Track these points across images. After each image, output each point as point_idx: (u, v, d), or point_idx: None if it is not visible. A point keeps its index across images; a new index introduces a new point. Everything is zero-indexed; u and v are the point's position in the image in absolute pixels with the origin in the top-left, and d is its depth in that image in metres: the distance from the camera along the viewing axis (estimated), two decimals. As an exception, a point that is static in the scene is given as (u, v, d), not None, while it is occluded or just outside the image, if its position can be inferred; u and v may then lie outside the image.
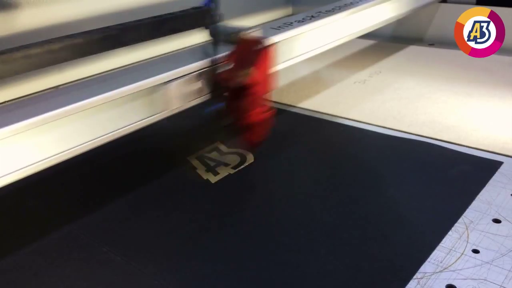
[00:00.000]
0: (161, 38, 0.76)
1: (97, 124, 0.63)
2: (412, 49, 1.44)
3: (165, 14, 0.76)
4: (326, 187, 0.76)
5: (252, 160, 0.85)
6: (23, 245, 0.66)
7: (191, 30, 0.79)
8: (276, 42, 0.83)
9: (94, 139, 0.63)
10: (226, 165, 0.84)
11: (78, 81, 1.24)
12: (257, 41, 0.76)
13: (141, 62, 1.19)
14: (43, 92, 1.21)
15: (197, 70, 0.74)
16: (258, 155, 0.86)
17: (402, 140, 0.89)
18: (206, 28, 0.79)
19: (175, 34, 0.77)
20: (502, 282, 0.55)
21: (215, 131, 0.80)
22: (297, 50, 0.91)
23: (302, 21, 0.93)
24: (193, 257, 0.62)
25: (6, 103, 1.14)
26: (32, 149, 0.57)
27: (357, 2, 1.09)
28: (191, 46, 0.89)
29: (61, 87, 1.25)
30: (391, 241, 0.62)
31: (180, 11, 0.78)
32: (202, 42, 0.79)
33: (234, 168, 0.82)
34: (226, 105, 0.77)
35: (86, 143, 0.62)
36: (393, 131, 0.92)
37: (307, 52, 0.94)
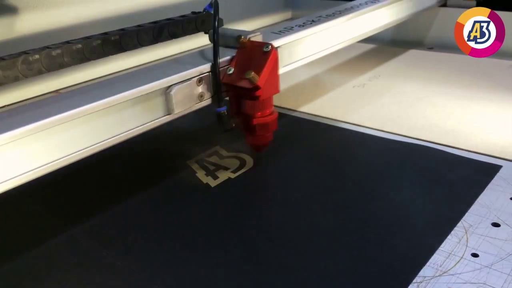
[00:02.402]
0: (161, 43, 0.76)
1: (97, 129, 0.63)
2: (412, 53, 1.44)
3: (165, 20, 0.76)
4: (326, 190, 0.76)
5: (252, 164, 0.85)
6: (23, 250, 0.67)
7: (192, 35, 0.79)
8: (278, 47, 0.83)
9: (94, 144, 0.63)
10: (226, 169, 0.84)
11: (78, 86, 1.24)
12: (259, 45, 0.76)
13: (142, 66, 1.20)
14: (43, 97, 1.21)
15: (199, 75, 0.73)
16: (258, 159, 0.86)
17: (401, 144, 0.89)
18: (206, 33, 0.79)
19: (175, 39, 0.78)
20: (502, 286, 0.55)
21: (217, 134, 0.79)
22: (298, 54, 0.92)
23: (303, 26, 0.93)
24: (193, 261, 0.63)
25: (5, 108, 1.14)
26: (32, 155, 0.57)
27: (357, 7, 1.10)
28: (192, 50, 0.90)
29: (61, 91, 1.25)
30: (390, 245, 0.63)
31: (180, 16, 0.78)
32: (203, 47, 0.80)
33: (234, 172, 0.83)
34: (229, 108, 0.77)
35: (86, 149, 0.62)
36: (392, 135, 0.93)
37: (308, 56, 0.94)
